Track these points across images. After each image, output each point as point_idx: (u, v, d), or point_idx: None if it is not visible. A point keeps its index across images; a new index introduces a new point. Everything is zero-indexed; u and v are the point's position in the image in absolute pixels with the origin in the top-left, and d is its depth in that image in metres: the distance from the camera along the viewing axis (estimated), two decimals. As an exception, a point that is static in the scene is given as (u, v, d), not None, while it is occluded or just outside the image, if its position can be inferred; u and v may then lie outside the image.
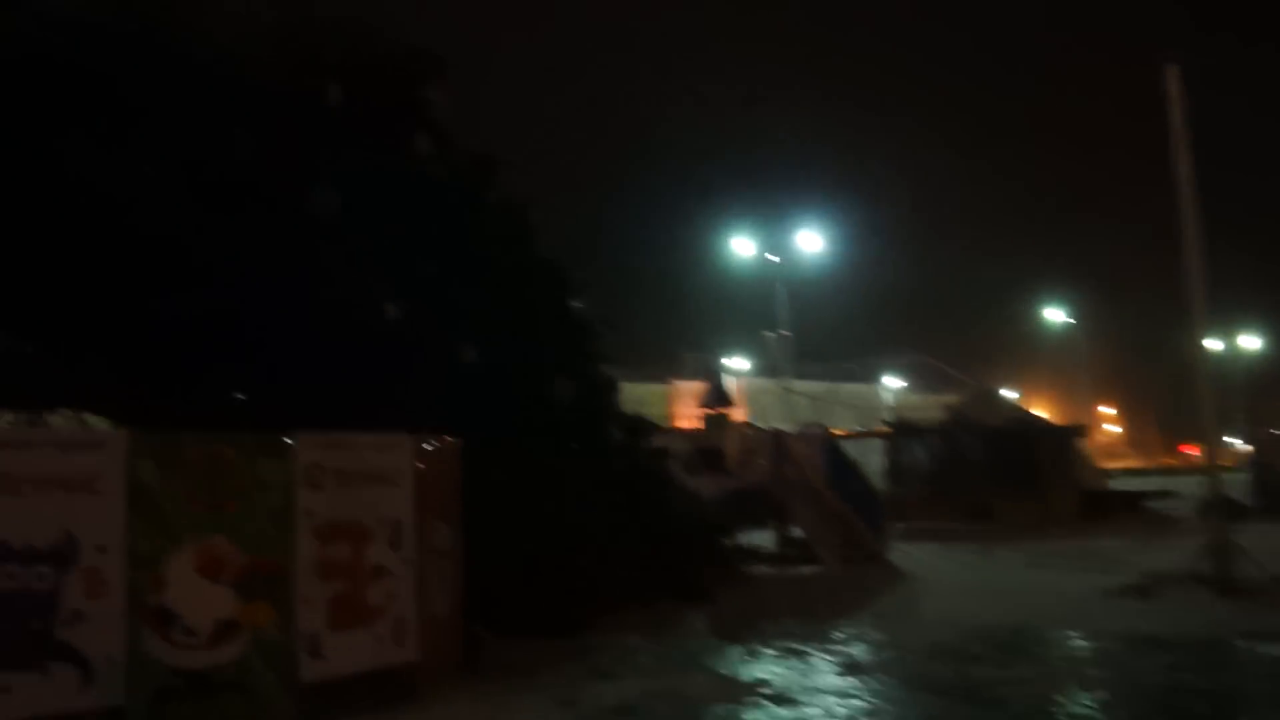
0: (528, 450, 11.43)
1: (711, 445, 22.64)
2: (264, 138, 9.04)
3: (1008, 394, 42.54)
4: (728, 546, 16.68)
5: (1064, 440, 28.04)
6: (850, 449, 25.72)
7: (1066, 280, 70.43)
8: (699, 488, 18.48)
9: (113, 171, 8.37)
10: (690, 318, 56.62)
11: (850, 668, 9.91)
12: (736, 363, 54.07)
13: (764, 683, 9.37)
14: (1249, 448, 33.00)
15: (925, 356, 53.59)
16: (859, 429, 32.30)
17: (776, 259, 46.36)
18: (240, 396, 9.79)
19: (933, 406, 34.62)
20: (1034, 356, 65.51)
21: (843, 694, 8.99)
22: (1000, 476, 24.93)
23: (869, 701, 8.74)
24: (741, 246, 47.98)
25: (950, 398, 33.89)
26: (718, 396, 27.41)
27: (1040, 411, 45.29)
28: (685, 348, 48.06)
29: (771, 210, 56.50)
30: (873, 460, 26.92)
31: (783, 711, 8.52)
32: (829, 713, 8.41)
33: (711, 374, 31.78)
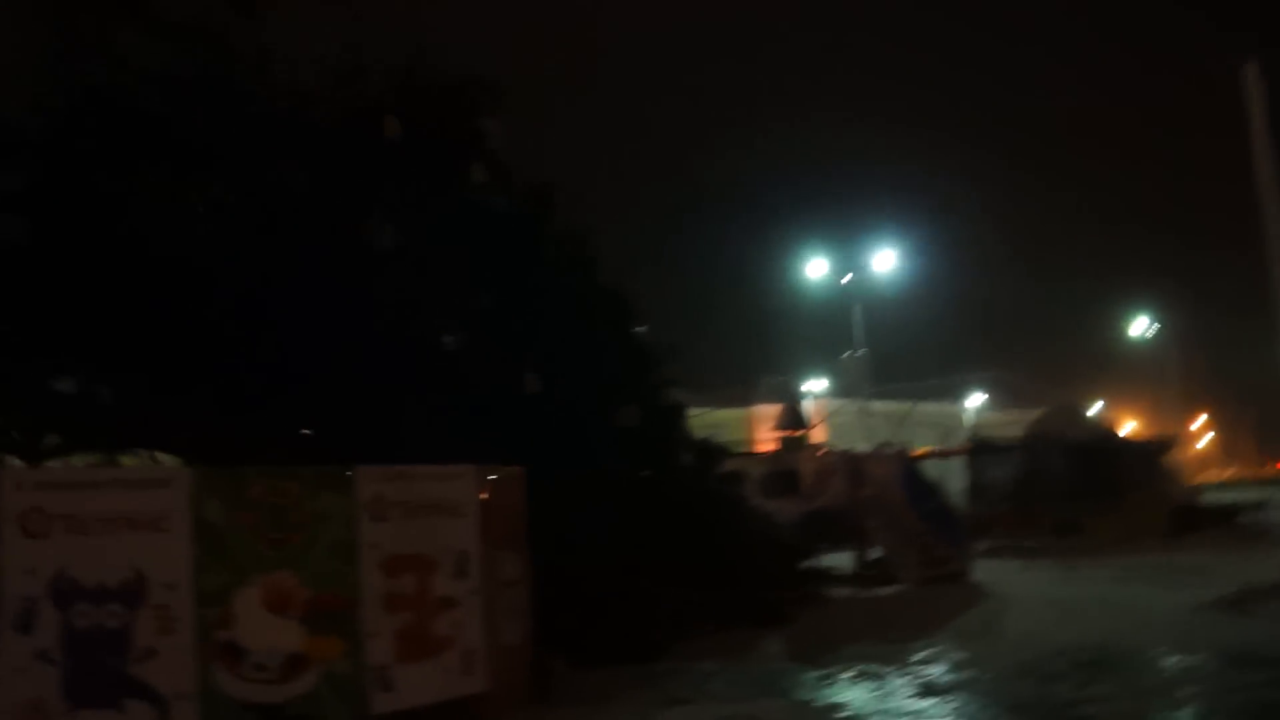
0: (596, 477, 11.42)
1: (788, 468, 22.53)
2: (323, 175, 9.18)
3: (1092, 408, 41.68)
4: (804, 569, 16.49)
5: (1151, 453, 27.35)
6: (930, 468, 25.41)
7: (1153, 289, 68.73)
8: (775, 511, 18.37)
9: (178, 216, 8.56)
10: (768, 341, 56.44)
11: (928, 689, 9.70)
12: (815, 385, 53.67)
13: (839, 706, 9.22)
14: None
15: (1006, 372, 52.70)
16: (939, 448, 31.82)
17: (851, 278, 46.05)
18: (306, 431, 9.90)
19: (1014, 423, 34.01)
20: (1120, 369, 64.12)
21: (919, 716, 8.83)
22: (1085, 492, 24.30)
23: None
24: (816, 268, 47.75)
25: (1032, 414, 33.24)
26: (794, 419, 27.31)
27: (1128, 424, 44.33)
28: (763, 372, 47.87)
29: (846, 230, 56.14)
30: (954, 479, 26.53)
31: (857, 736, 8.38)
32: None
33: (787, 397, 31.66)
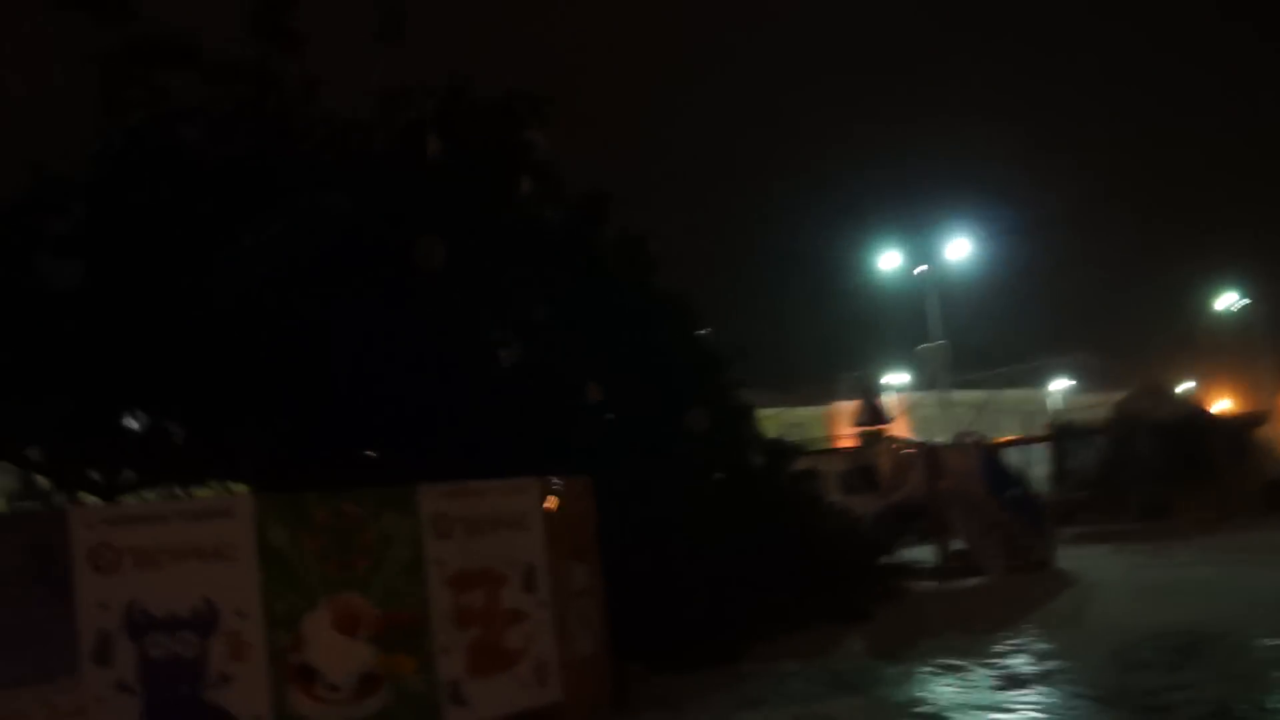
0: (666, 483, 11.42)
1: (867, 463, 22.38)
2: (371, 200, 9.31)
3: (1182, 387, 40.67)
4: (884, 564, 16.35)
5: (1242, 430, 26.62)
6: (1015, 455, 25.05)
7: (1240, 263, 66.80)
8: (855, 506, 18.27)
9: (230, 253, 8.74)
10: (847, 337, 55.97)
11: (1010, 681, 9.54)
12: (895, 378, 53.11)
13: (919, 701, 9.09)
14: None
15: (1090, 355, 51.56)
16: (1024, 435, 31.31)
17: (925, 269, 45.45)
18: (371, 453, 10.04)
19: (1100, 405, 33.34)
20: (1208, 346, 62.40)
21: (1001, 709, 8.66)
22: (1174, 473, 23.77)
23: (1027, 716, 8.39)
24: (889, 260, 47.22)
25: (1118, 396, 32.56)
26: (872, 414, 27.10)
27: (1219, 402, 43.17)
28: (843, 368, 47.55)
29: (918, 220, 55.51)
30: (1039, 465, 26.11)
31: (935, 731, 8.26)
32: (982, 731, 8.12)
33: (865, 392, 31.40)
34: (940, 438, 28.88)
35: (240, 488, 9.61)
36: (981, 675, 9.90)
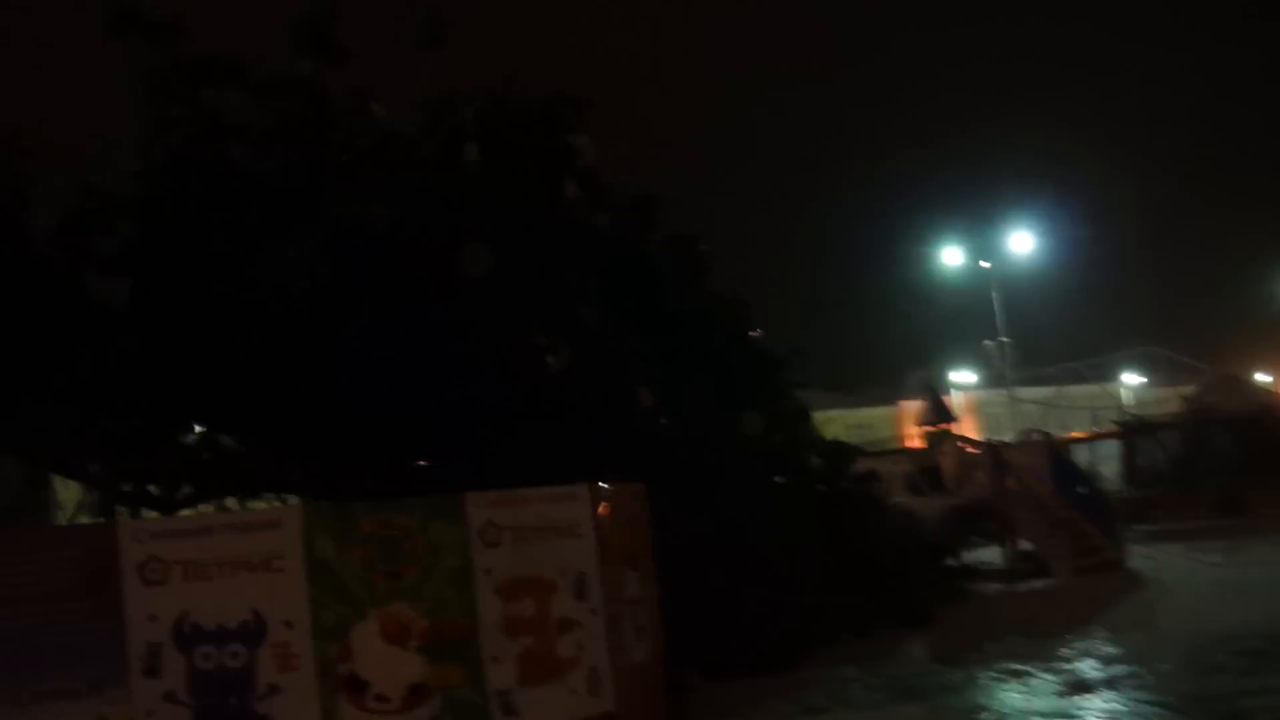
0: (722, 487, 11.31)
1: (932, 463, 22.02)
2: (416, 210, 9.32)
3: (1257, 379, 39.65)
4: (949, 566, 16.09)
5: (1321, 422, 25.82)
6: (1084, 452, 24.55)
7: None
8: (920, 508, 17.98)
9: (276, 268, 8.80)
10: (914, 337, 55.45)
11: (1075, 686, 9.29)
12: (962, 376, 52.50)
13: (981, 708, 8.90)
14: None
15: (1161, 348, 50.50)
16: (1093, 431, 30.71)
17: (989, 264, 44.81)
18: (422, 462, 10.04)
19: (1173, 399, 32.62)
20: (1286, 335, 60.85)
21: (1066, 716, 8.45)
22: (1250, 467, 23.09)
23: (1091, 723, 8.18)
24: (951, 256, 46.63)
25: (1190, 389, 31.84)
26: (938, 413, 26.66)
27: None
28: (909, 367, 47.12)
29: (983, 215, 54.76)
30: (1109, 462, 25.57)
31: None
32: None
33: (929, 390, 30.98)
34: (1007, 436, 28.44)
35: (294, 499, 9.65)
36: (1047, 681, 9.67)
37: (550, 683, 8.32)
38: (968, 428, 37.02)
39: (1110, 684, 9.26)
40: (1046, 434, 21.76)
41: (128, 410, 9.06)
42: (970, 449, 21.01)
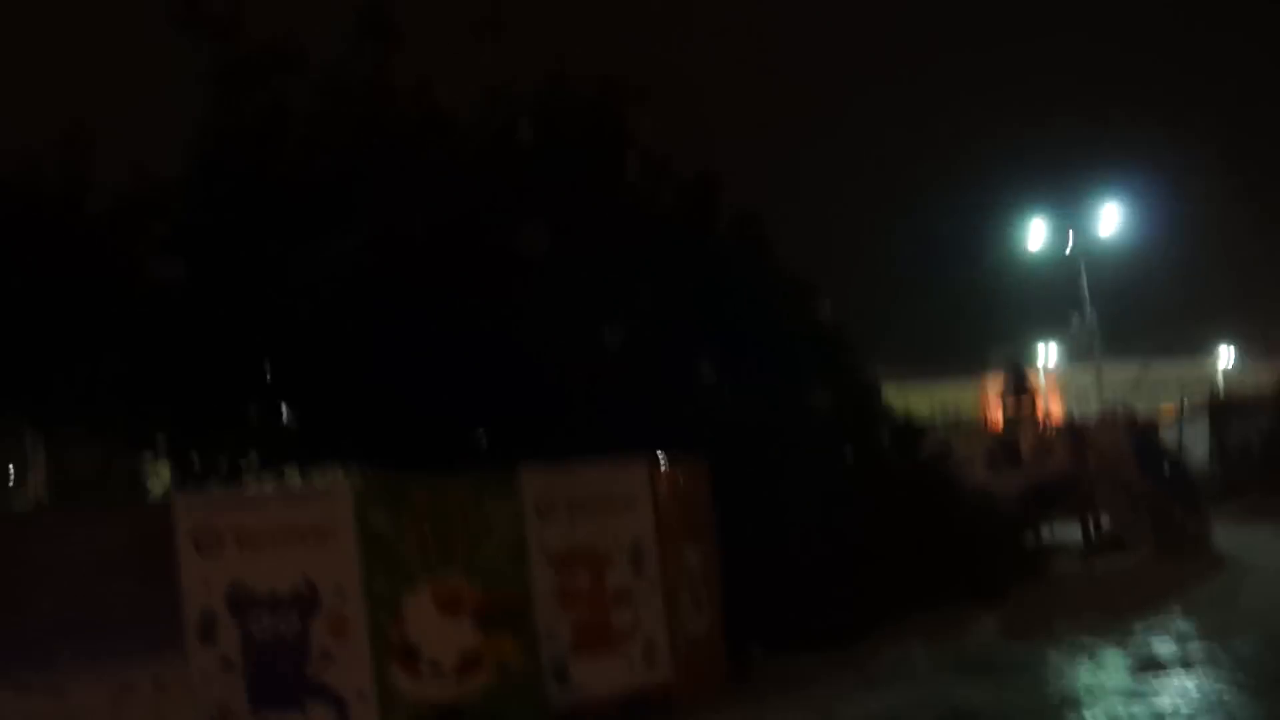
0: (787, 462, 11.20)
1: (1012, 440, 21.63)
2: (472, 195, 9.37)
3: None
4: (1024, 544, 15.76)
5: None
6: (1172, 429, 23.87)
7: None
8: (998, 484, 17.64)
9: (332, 253, 8.91)
10: (999, 312, 54.50)
11: (1146, 665, 9.04)
12: (1047, 353, 51.56)
13: (1048, 684, 8.72)
14: None
15: (1255, 324, 48.97)
16: (1180, 407, 29.91)
17: (1075, 240, 43.80)
18: (482, 436, 10.08)
19: (1266, 378, 31.63)
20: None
21: (1138, 695, 8.20)
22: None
23: (1166, 703, 7.90)
24: (1037, 232, 45.68)
25: (1285, 364, 30.87)
26: (1018, 387, 26.20)
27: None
28: (994, 343, 46.36)
29: (1070, 188, 53.50)
30: (1197, 441, 24.87)
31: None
32: (1111, 717, 7.67)
33: (1013, 367, 30.45)
34: (1092, 412, 27.81)
35: (354, 471, 9.77)
36: (1119, 658, 9.45)
37: (605, 653, 8.34)
38: (1053, 404, 36.32)
39: (1187, 664, 8.98)
40: (1131, 410, 21.16)
41: (190, 386, 9.20)
42: (1051, 425, 20.60)
